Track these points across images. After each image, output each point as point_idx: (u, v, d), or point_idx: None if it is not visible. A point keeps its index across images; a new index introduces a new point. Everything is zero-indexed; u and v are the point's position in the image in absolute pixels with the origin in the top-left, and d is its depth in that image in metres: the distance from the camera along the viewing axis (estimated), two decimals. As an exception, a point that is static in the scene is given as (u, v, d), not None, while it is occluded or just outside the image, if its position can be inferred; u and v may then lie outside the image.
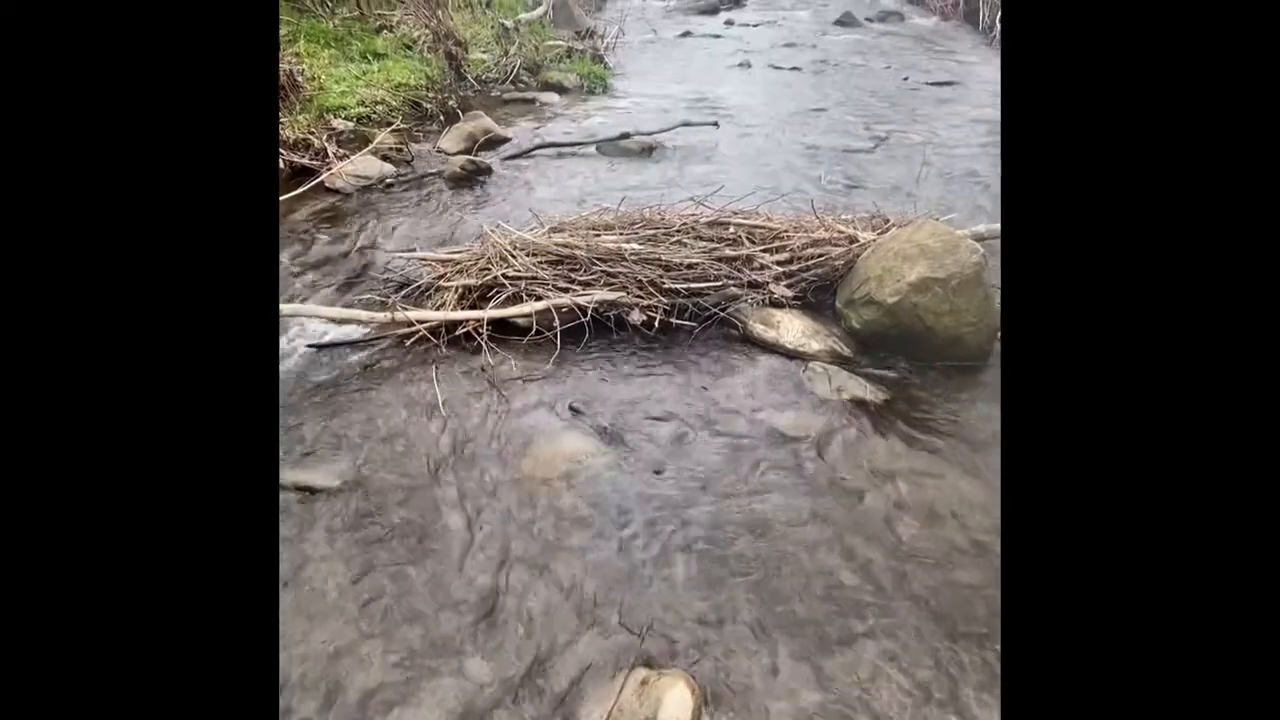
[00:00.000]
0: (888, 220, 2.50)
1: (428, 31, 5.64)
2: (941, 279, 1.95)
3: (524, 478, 1.71)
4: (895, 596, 1.45)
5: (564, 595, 1.43)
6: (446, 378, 2.05)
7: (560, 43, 6.16)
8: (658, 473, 1.73)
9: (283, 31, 5.08)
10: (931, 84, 5.40)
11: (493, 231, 2.40)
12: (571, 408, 1.94)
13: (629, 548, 1.54)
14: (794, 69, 5.86)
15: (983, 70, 5.86)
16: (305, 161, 3.33)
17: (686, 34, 7.44)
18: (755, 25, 8.05)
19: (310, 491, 1.65)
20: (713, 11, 8.94)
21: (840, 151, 3.86)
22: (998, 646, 1.34)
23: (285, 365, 2.11)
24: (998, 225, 2.48)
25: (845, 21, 8.07)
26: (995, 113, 4.61)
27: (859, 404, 1.97)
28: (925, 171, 3.43)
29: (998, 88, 5.31)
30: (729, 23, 8.16)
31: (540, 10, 6.88)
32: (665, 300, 2.24)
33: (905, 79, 5.54)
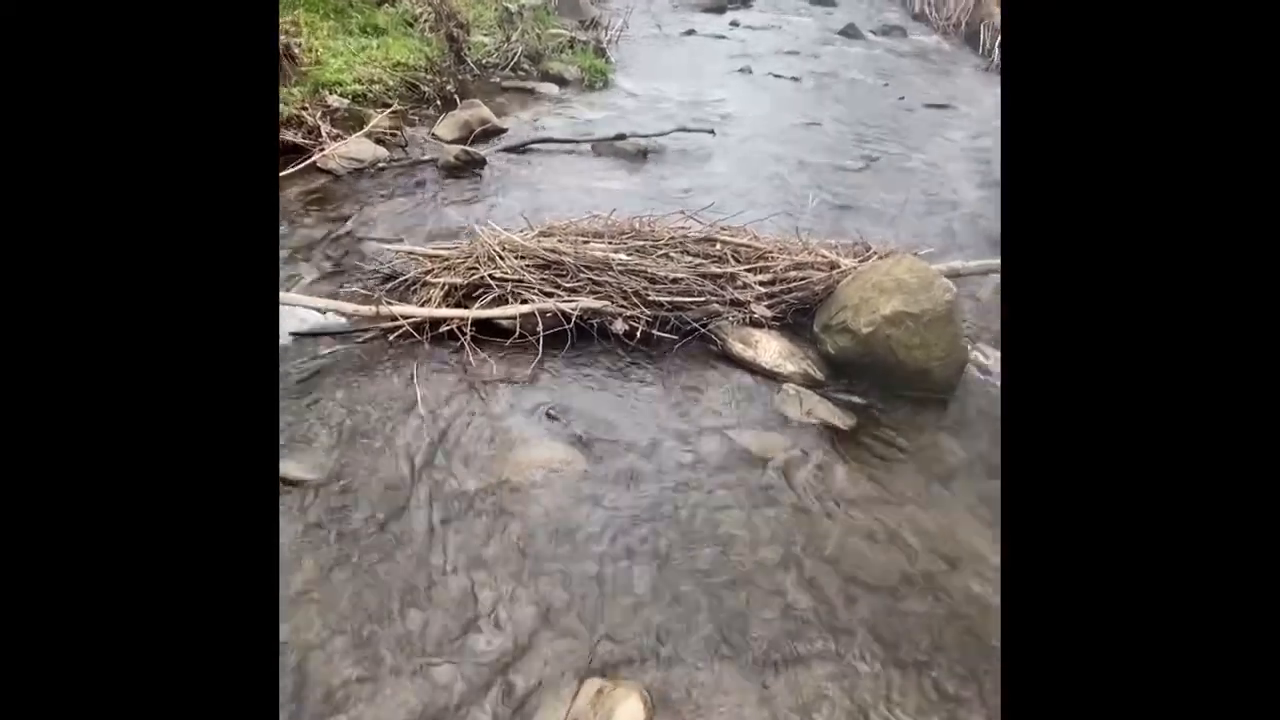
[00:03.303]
0: (869, 248, 2.57)
1: (430, 9, 5.57)
2: (915, 314, 2.03)
3: (498, 482, 1.75)
4: (844, 621, 1.52)
5: (528, 602, 1.48)
6: (427, 376, 2.08)
7: (564, 31, 6.12)
8: (628, 485, 1.79)
9: (281, -2, 4.97)
10: (926, 105, 5.48)
11: (482, 231, 2.42)
12: (548, 414, 1.98)
13: (595, 557, 1.60)
14: (794, 79, 5.90)
15: (978, 94, 5.95)
16: (298, 140, 3.30)
17: (691, 32, 7.43)
18: (760, 28, 8.05)
19: (287, 483, 1.68)
20: (719, 10, 8.91)
21: (831, 169, 3.93)
22: (935, 674, 1.43)
23: (266, 351, 2.12)
24: (973, 262, 2.56)
25: (849, 33, 8.11)
26: (985, 140, 4.71)
27: (827, 429, 2.04)
28: (910, 199, 3.51)
29: (990, 113, 5.42)
30: (734, 24, 8.15)
31: (545, -4, 6.82)
32: (648, 312, 2.29)
33: (901, 98, 5.61)
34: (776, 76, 5.92)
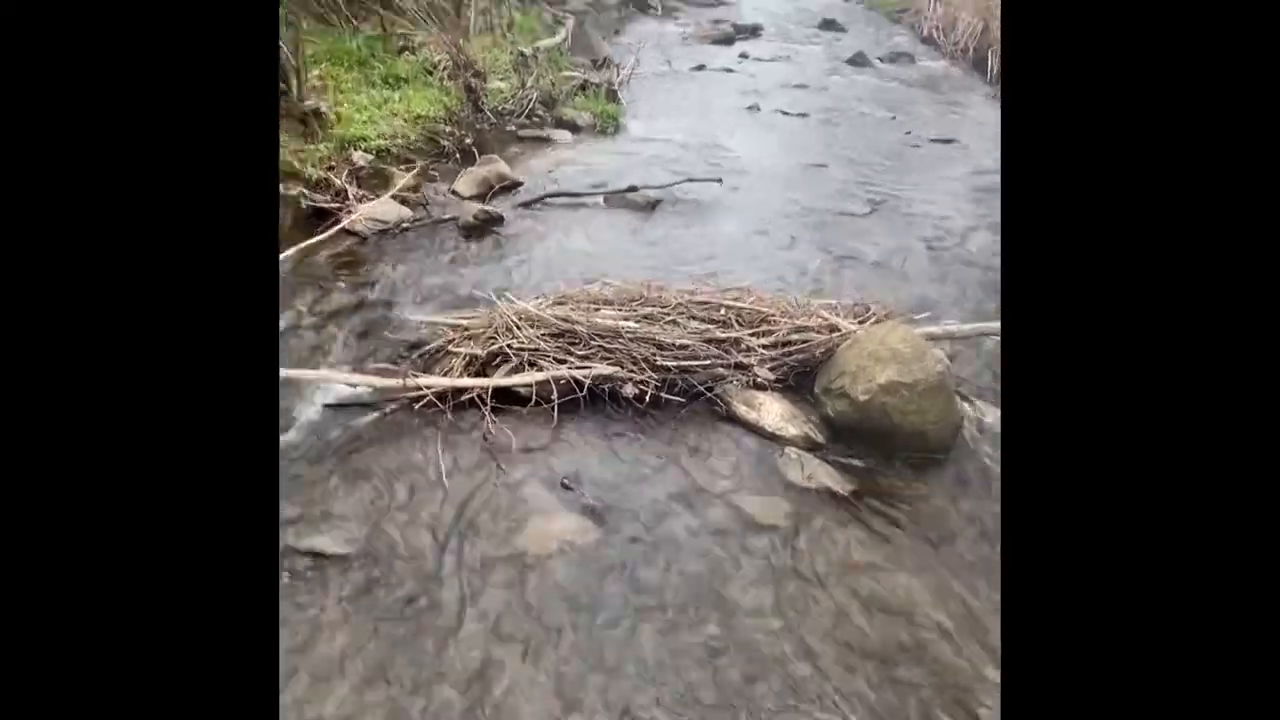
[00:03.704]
0: (869, 309, 2.68)
1: (448, 58, 5.81)
2: (909, 384, 2.14)
3: (518, 554, 1.89)
4: (840, 689, 1.63)
5: (548, 674, 1.61)
6: (451, 445, 2.22)
7: (576, 74, 6.33)
8: (637, 556, 1.91)
9: (308, 52, 5.23)
10: (933, 140, 5.58)
11: (500, 303, 2.58)
12: (564, 484, 2.11)
13: (609, 627, 1.72)
14: (801, 115, 6.04)
15: (984, 128, 6.04)
16: (324, 203, 3.50)
17: (700, 67, 7.61)
18: (768, 60, 8.22)
19: (322, 557, 1.83)
20: (728, 41, 9.11)
21: (836, 215, 4.04)
22: (925, 745, 1.53)
23: (302, 422, 2.29)
24: (967, 325, 2.66)
25: (857, 61, 8.24)
26: (990, 177, 4.79)
27: (826, 494, 2.15)
28: (913, 249, 3.62)
29: (997, 144, 5.50)
30: (743, 56, 8.33)
31: (559, 37, 7.06)
32: (657, 376, 2.42)
33: (908, 133, 5.72)
34: (784, 114, 6.07)
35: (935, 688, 1.64)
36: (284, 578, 1.78)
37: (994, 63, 7.81)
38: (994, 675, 1.65)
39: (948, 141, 5.55)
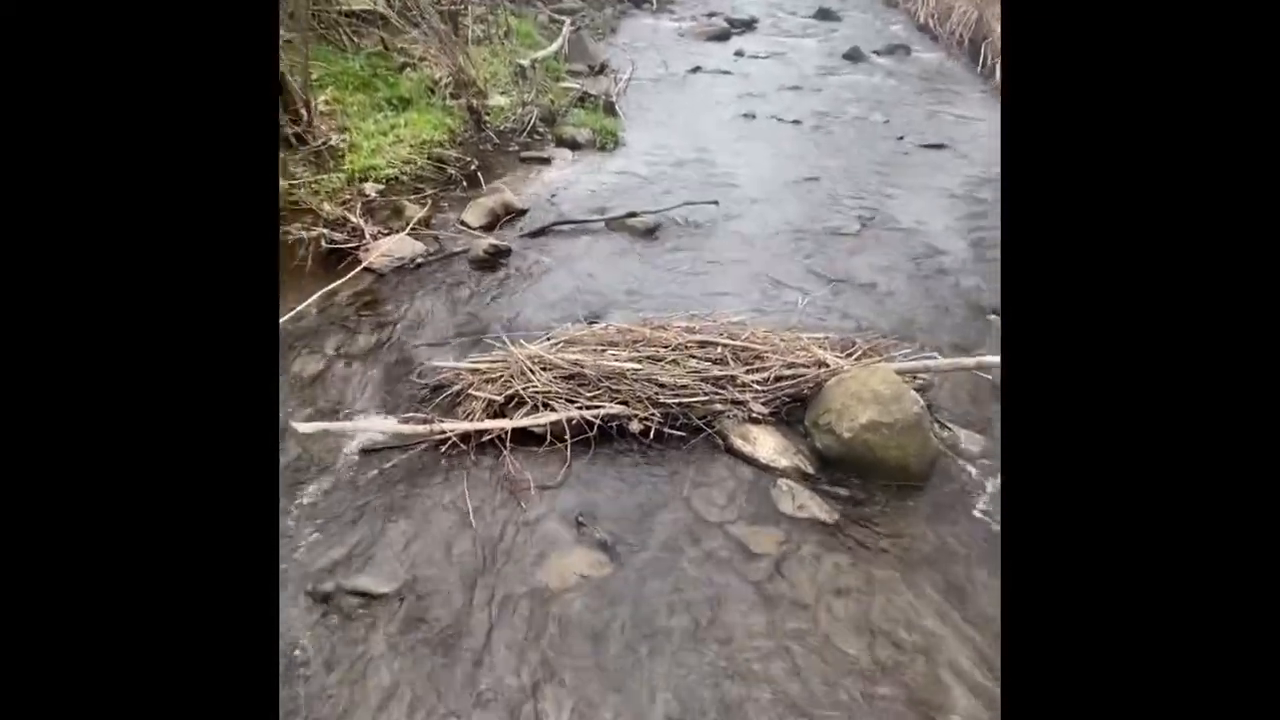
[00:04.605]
0: (854, 343, 2.89)
1: (449, 75, 5.94)
2: (888, 423, 2.36)
3: (539, 588, 2.14)
4: (825, 705, 1.88)
5: (571, 694, 1.86)
6: (475, 485, 2.47)
7: (575, 85, 6.46)
8: (645, 585, 2.16)
9: (314, 75, 5.38)
10: (924, 146, 5.71)
11: (514, 349, 2.80)
12: (578, 521, 2.36)
13: (624, 652, 1.97)
14: (795, 122, 6.16)
15: (977, 126, 6.15)
16: (341, 242, 3.71)
17: (697, 69, 7.69)
18: (763, 57, 8.28)
19: (369, 596, 2.08)
20: (724, 37, 9.14)
21: (827, 234, 4.22)
22: (897, 752, 1.78)
23: (339, 465, 2.53)
24: (944, 360, 2.86)
25: (852, 56, 8.29)
26: (980, 184, 4.94)
27: (815, 523, 2.38)
28: (901, 268, 3.80)
29: (986, 148, 5.62)
30: (739, 53, 8.38)
31: (555, 46, 7.15)
32: (659, 412, 2.65)
33: (901, 138, 5.84)
34: (779, 120, 6.19)
35: (910, 703, 1.89)
36: (333, 618, 2.04)
37: (988, 53, 7.88)
38: (961, 693, 1.90)
39: (938, 147, 5.68)
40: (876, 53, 8.53)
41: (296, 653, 1.92)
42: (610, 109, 6.03)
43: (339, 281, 3.37)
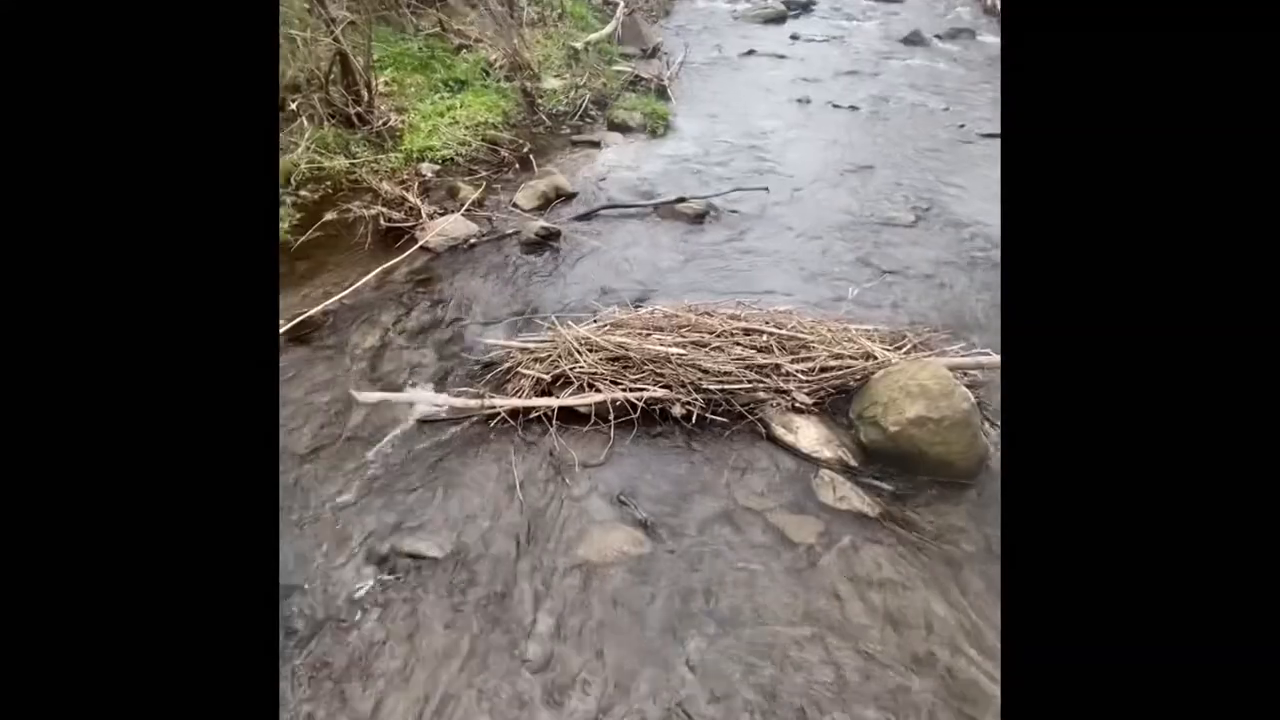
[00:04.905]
0: (905, 336, 2.85)
1: (504, 56, 6.02)
2: (936, 419, 2.33)
3: (581, 562, 2.21)
4: (858, 694, 1.90)
5: (608, 665, 1.93)
6: (522, 459, 2.55)
7: (627, 68, 6.45)
8: (684, 567, 2.20)
9: (375, 57, 5.52)
10: (986, 134, 5.51)
11: (563, 330, 2.86)
12: (620, 499, 2.41)
13: (661, 629, 2.03)
14: (851, 108, 6.02)
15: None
16: (399, 221, 3.83)
17: (750, 52, 7.57)
18: (820, 41, 8.08)
19: (422, 559, 2.19)
20: (780, 20, 8.96)
21: (881, 225, 4.14)
22: (930, 745, 1.79)
23: (397, 432, 2.65)
24: (997, 357, 2.79)
25: (913, 40, 8.01)
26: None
27: (856, 515, 2.38)
28: (958, 261, 3.70)
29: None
30: (794, 37, 8.20)
31: (609, 28, 7.14)
32: (702, 398, 2.68)
33: (961, 126, 5.65)
34: (834, 106, 6.05)
35: (943, 698, 1.89)
36: (388, 576, 2.16)
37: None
38: (998, 695, 1.89)
39: (998, 136, 5.46)
40: (939, 37, 8.22)
41: (355, 609, 2.04)
42: (661, 92, 6.01)
43: (397, 259, 3.49)
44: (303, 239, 3.67)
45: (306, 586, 2.10)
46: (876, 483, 2.50)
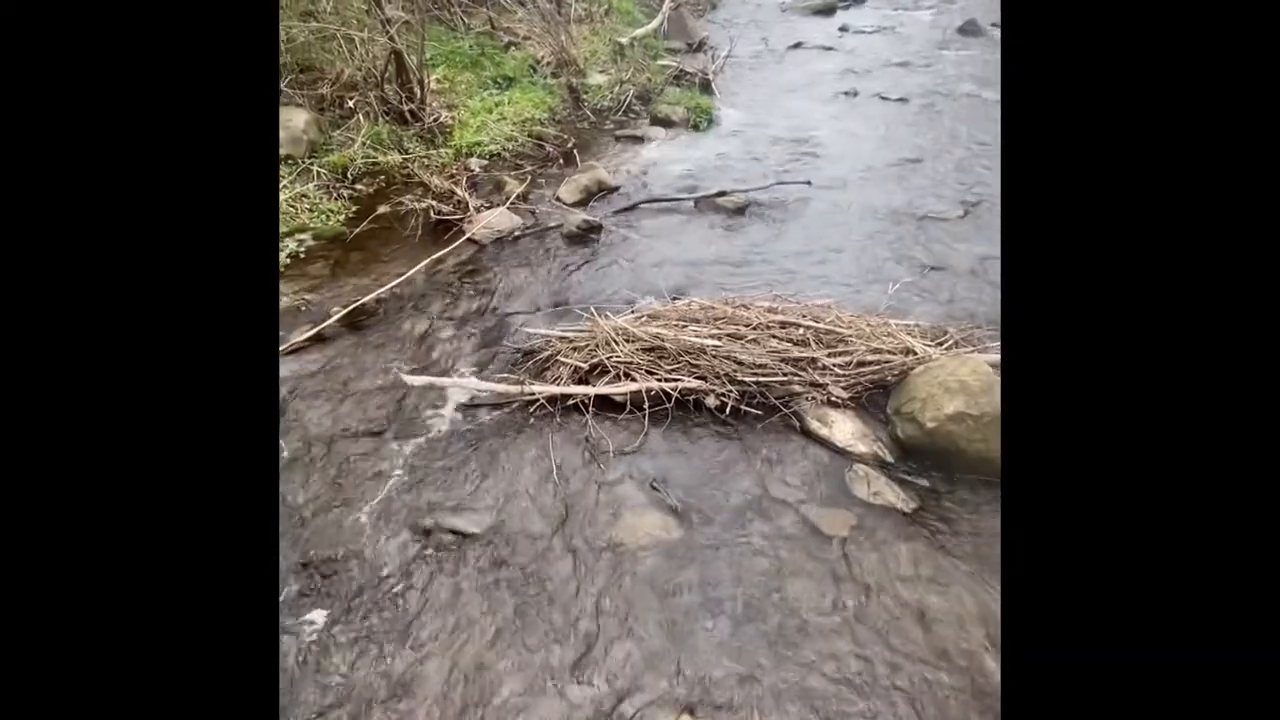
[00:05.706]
0: (946, 332, 2.80)
1: (550, 53, 6.12)
2: (975, 415, 2.29)
3: (615, 543, 2.27)
4: (887, 686, 1.90)
5: (636, 647, 1.99)
6: (559, 444, 2.63)
7: (671, 63, 6.47)
8: (714, 553, 2.24)
9: (428, 55, 5.71)
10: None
11: (601, 320, 2.93)
12: (652, 485, 2.46)
13: (690, 612, 2.07)
14: (900, 100, 5.88)
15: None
16: (447, 214, 3.97)
17: (798, 45, 7.47)
18: (870, 32, 7.91)
19: (462, 535, 2.30)
20: (829, 11, 8.80)
21: (928, 219, 4.05)
22: (957, 740, 1.78)
23: (444, 414, 2.77)
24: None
25: (969, 30, 7.76)
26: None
27: (891, 510, 2.37)
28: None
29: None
30: (843, 29, 8.05)
31: (655, 23, 7.17)
32: (737, 389, 2.70)
33: (1017, 118, 5.45)
34: (883, 99, 5.93)
35: (971, 693, 1.88)
36: (430, 551, 2.27)
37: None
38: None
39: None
40: (995, 25, 7.92)
41: (401, 581, 2.16)
42: (705, 87, 6.01)
43: (444, 250, 3.62)
44: (357, 230, 3.85)
45: (351, 557, 2.23)
46: (912, 479, 2.48)
